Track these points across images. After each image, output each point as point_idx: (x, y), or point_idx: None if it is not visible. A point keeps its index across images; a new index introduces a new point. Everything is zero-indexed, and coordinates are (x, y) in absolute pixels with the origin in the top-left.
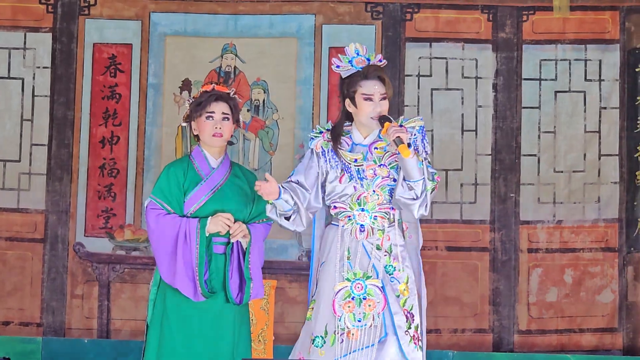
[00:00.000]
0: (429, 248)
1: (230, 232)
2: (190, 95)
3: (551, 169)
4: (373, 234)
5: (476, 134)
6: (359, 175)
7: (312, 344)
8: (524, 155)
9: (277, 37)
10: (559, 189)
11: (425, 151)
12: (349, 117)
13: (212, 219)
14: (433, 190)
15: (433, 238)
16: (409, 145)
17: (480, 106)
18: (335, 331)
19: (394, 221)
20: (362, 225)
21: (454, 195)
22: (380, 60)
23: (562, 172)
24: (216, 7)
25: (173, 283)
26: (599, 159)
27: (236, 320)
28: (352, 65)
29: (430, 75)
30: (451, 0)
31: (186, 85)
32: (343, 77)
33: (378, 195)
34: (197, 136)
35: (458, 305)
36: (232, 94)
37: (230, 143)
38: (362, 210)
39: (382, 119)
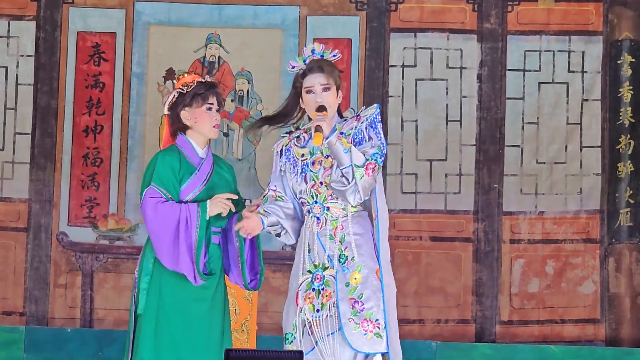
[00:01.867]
0: (412, 238)
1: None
2: (173, 85)
3: (534, 160)
4: (326, 224)
5: (460, 124)
6: (305, 169)
7: (285, 342)
8: (508, 146)
9: (262, 28)
10: (541, 180)
11: (377, 138)
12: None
13: (211, 201)
14: (363, 176)
15: (417, 228)
16: (343, 135)
17: (464, 97)
18: (302, 324)
19: (353, 211)
20: (317, 217)
21: (438, 186)
22: (334, 55)
23: (544, 163)
24: None
25: (177, 268)
26: (581, 150)
27: (225, 309)
28: (305, 64)
29: (415, 66)
30: None
31: (170, 74)
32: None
33: (326, 186)
34: (181, 126)
35: (442, 296)
36: (218, 87)
37: (225, 134)
38: (316, 202)
39: (318, 108)
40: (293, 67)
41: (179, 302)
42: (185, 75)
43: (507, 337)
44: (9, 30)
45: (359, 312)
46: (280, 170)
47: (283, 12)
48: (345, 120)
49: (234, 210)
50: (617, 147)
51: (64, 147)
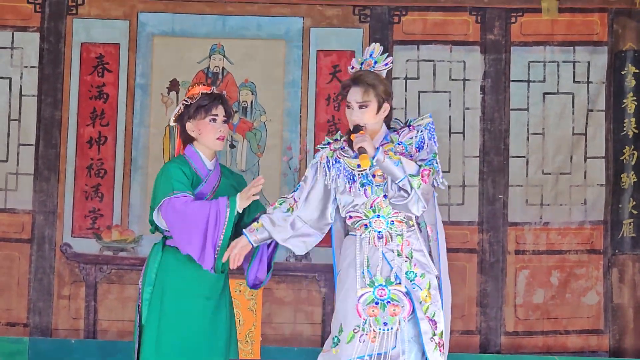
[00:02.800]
0: None
1: None
2: (177, 96)
3: (539, 171)
4: (392, 239)
5: (464, 136)
6: (365, 182)
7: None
8: (512, 157)
9: (265, 39)
10: (546, 191)
11: (433, 146)
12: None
13: (240, 195)
14: (420, 184)
15: None
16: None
17: (468, 108)
18: (354, 329)
19: (413, 225)
20: (379, 232)
21: (442, 197)
22: (386, 64)
23: (549, 174)
24: (204, 8)
25: (202, 261)
26: (585, 161)
27: (231, 318)
28: (361, 69)
29: (418, 78)
30: (439, 2)
31: (174, 85)
32: None
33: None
34: (190, 137)
35: None
36: (225, 98)
37: (232, 146)
38: (378, 216)
39: (354, 129)
40: (353, 68)
41: (182, 312)
42: (194, 86)
43: (512, 348)
44: (12, 42)
45: (435, 332)
46: (324, 184)
47: (287, 23)
48: (395, 130)
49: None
50: (621, 158)
51: (68, 158)
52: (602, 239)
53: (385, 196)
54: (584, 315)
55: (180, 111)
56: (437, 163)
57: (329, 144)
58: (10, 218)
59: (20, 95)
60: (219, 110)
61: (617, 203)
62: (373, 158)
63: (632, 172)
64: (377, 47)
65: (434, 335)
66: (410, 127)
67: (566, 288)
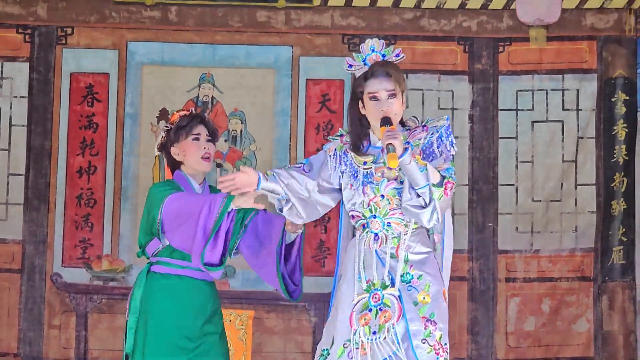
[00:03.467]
0: None
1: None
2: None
3: (529, 199)
4: (387, 242)
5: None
6: (366, 180)
7: (319, 358)
8: (502, 185)
9: (255, 68)
10: (536, 219)
11: (448, 152)
12: (363, 121)
13: (238, 197)
14: (442, 197)
15: None
16: (407, 150)
17: (456, 137)
18: (344, 344)
19: (415, 227)
20: (375, 233)
21: None
22: (397, 55)
23: (539, 201)
24: (193, 37)
25: (191, 252)
26: (576, 188)
27: (220, 343)
28: (365, 64)
29: (407, 107)
30: (428, 32)
31: (163, 114)
32: (356, 77)
33: (388, 200)
34: (177, 163)
35: None
36: (206, 117)
37: (218, 165)
38: (374, 217)
39: (383, 121)
40: (351, 66)
41: (166, 341)
42: (174, 114)
43: None
44: (2, 72)
45: (432, 333)
46: (338, 171)
47: (276, 52)
48: (409, 129)
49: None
50: (612, 185)
51: (58, 188)
52: (593, 266)
53: (382, 196)
54: (574, 342)
55: (162, 139)
56: (455, 174)
57: (341, 135)
58: (1, 248)
59: (10, 125)
60: (201, 129)
61: (607, 230)
62: (400, 157)
63: (622, 199)
64: (376, 42)
65: (429, 336)
66: (425, 127)
67: (557, 315)
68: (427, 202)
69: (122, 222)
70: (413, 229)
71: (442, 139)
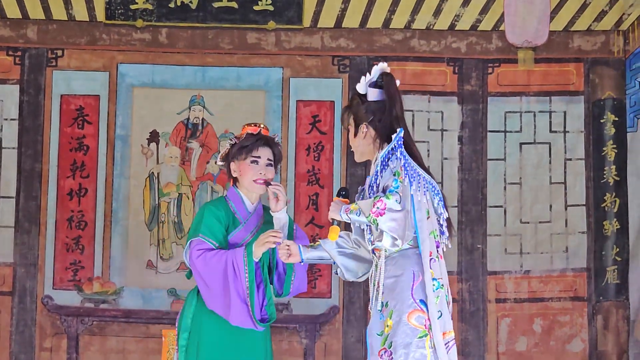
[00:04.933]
0: None
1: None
2: (157, 147)
3: (517, 220)
4: (376, 269)
5: (442, 185)
6: None
7: None
8: (490, 206)
9: (245, 90)
10: (525, 240)
11: (390, 170)
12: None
13: (257, 242)
14: (376, 222)
15: None
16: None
17: (446, 158)
18: None
19: (393, 253)
20: (376, 264)
21: None
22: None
23: (528, 222)
24: (184, 59)
25: (229, 318)
26: (566, 209)
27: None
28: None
29: None
30: (417, 53)
31: (154, 136)
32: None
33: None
34: (234, 178)
35: None
36: (276, 139)
37: (268, 184)
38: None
39: (338, 193)
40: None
41: (219, 358)
42: (245, 126)
43: None
44: None
45: None
46: None
47: (266, 74)
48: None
49: (280, 240)
50: (603, 205)
51: (49, 210)
52: (586, 286)
53: (367, 225)
54: None
55: (226, 151)
56: (396, 183)
57: None
58: None
59: (0, 147)
60: (263, 152)
61: (600, 250)
62: (340, 221)
63: (615, 220)
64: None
65: None
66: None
67: (550, 335)
68: (377, 231)
69: (113, 244)
70: (395, 252)
71: (386, 160)
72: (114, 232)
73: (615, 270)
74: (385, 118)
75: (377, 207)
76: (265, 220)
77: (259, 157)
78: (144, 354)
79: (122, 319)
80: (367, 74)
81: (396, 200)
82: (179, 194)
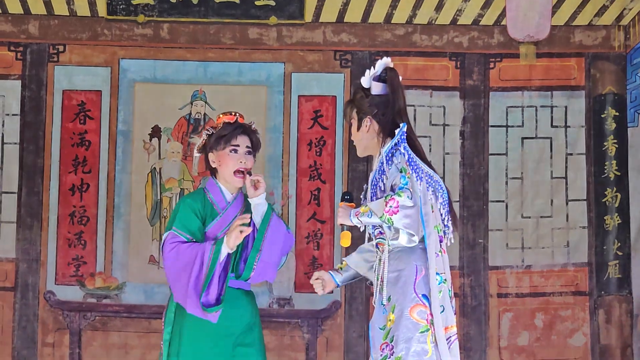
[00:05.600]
0: None
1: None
2: (159, 142)
3: (519, 215)
4: (379, 263)
5: (444, 180)
6: None
7: None
8: (492, 201)
9: (247, 85)
10: (527, 235)
11: (395, 168)
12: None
13: (227, 235)
14: (391, 220)
15: None
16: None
17: (447, 153)
18: None
19: (395, 249)
20: (379, 259)
21: None
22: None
23: (529, 217)
24: (185, 54)
25: (185, 306)
26: (567, 204)
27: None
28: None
29: None
30: (419, 48)
31: (156, 132)
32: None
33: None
34: (213, 169)
35: None
36: (253, 126)
37: (249, 173)
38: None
39: (342, 197)
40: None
41: (200, 352)
42: (220, 116)
43: None
44: None
45: (389, 358)
46: None
47: (268, 69)
48: None
49: (247, 221)
50: (604, 200)
51: (51, 205)
52: (587, 281)
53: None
54: (570, 356)
55: (203, 141)
56: (404, 179)
57: None
58: None
59: (2, 143)
60: (241, 140)
61: (601, 245)
62: (352, 226)
63: (616, 214)
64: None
65: None
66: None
67: (552, 330)
68: (393, 230)
69: (115, 240)
70: (392, 249)
71: (390, 156)
72: (116, 228)
73: (617, 265)
74: (389, 112)
75: (390, 206)
76: (247, 210)
77: (237, 145)
78: (146, 349)
79: (124, 314)
80: (372, 68)
81: (407, 197)
82: (180, 189)
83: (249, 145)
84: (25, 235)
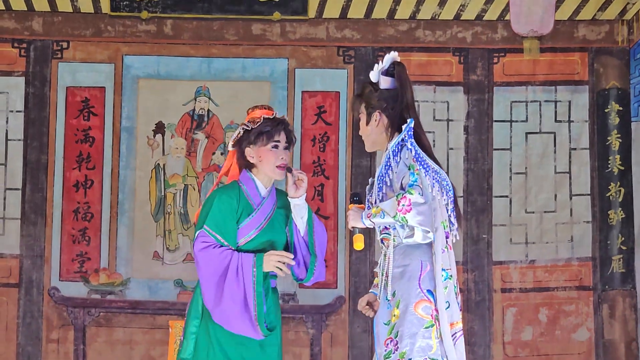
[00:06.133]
0: None
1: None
2: (163, 138)
3: (523, 210)
4: (384, 259)
5: (448, 176)
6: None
7: None
8: (496, 196)
9: (251, 81)
10: (530, 230)
11: (403, 164)
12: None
13: (266, 258)
14: (404, 218)
15: None
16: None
17: (451, 148)
18: None
19: (400, 245)
20: (384, 254)
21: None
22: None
23: (533, 212)
24: (189, 50)
25: (214, 314)
26: (571, 199)
27: (279, 352)
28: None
29: None
30: (423, 43)
31: (159, 128)
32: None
33: None
34: (247, 163)
35: None
36: (288, 124)
37: (289, 170)
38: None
39: (351, 198)
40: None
41: (228, 346)
42: (255, 109)
43: None
44: None
45: (393, 353)
46: None
47: (271, 64)
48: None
49: (287, 271)
50: (607, 195)
51: (55, 202)
52: (591, 275)
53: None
54: (575, 351)
55: (239, 135)
56: (415, 184)
57: None
58: None
59: (6, 139)
60: (281, 137)
61: (605, 239)
62: (363, 228)
63: (620, 209)
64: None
65: (389, 357)
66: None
67: (555, 325)
68: (405, 228)
69: (119, 236)
70: (404, 241)
71: (396, 152)
72: (120, 224)
73: (621, 259)
74: (397, 106)
75: (403, 205)
76: (279, 205)
77: (278, 141)
78: (151, 345)
79: (128, 310)
80: (380, 62)
81: (419, 194)
82: (184, 185)
83: (287, 141)
84: (30, 231)
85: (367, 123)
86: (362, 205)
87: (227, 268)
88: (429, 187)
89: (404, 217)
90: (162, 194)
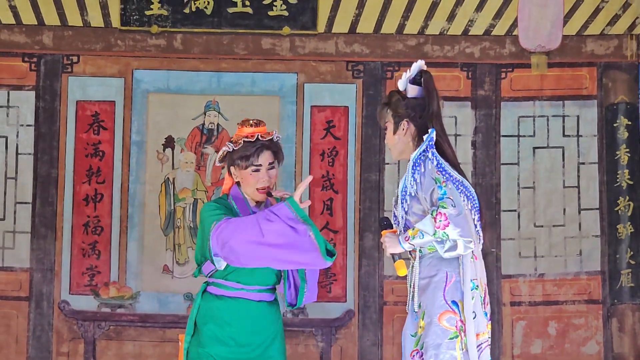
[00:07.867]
0: None
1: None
2: (173, 152)
3: (531, 224)
4: (411, 270)
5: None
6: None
7: None
8: (504, 210)
9: (260, 95)
10: (539, 243)
11: (428, 179)
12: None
13: (296, 193)
14: (445, 234)
15: None
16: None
17: (459, 163)
18: None
19: (428, 253)
20: (412, 265)
21: None
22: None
23: (542, 226)
24: (199, 65)
25: (274, 262)
26: (579, 213)
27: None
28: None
29: None
30: (431, 58)
31: (169, 142)
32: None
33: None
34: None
35: None
36: (275, 137)
37: (269, 195)
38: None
39: (380, 224)
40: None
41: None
42: (243, 126)
43: None
44: (8, 100)
45: None
46: None
47: (281, 79)
48: None
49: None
50: (616, 209)
51: (65, 215)
52: (600, 289)
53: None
54: None
55: (224, 153)
56: (447, 196)
57: None
58: (8, 276)
59: (17, 153)
60: (264, 158)
61: (614, 253)
62: (402, 253)
63: (629, 223)
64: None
65: None
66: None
67: (565, 338)
68: (445, 244)
69: (129, 249)
70: (429, 252)
71: (417, 164)
72: (129, 237)
73: (630, 274)
74: (425, 115)
75: (440, 221)
76: None
77: (260, 165)
78: (161, 358)
79: (138, 323)
80: (408, 71)
81: (451, 205)
82: (194, 199)
83: (272, 160)
84: (40, 245)
85: (395, 132)
86: (394, 229)
87: (257, 221)
88: (459, 197)
89: (445, 232)
90: (172, 207)
